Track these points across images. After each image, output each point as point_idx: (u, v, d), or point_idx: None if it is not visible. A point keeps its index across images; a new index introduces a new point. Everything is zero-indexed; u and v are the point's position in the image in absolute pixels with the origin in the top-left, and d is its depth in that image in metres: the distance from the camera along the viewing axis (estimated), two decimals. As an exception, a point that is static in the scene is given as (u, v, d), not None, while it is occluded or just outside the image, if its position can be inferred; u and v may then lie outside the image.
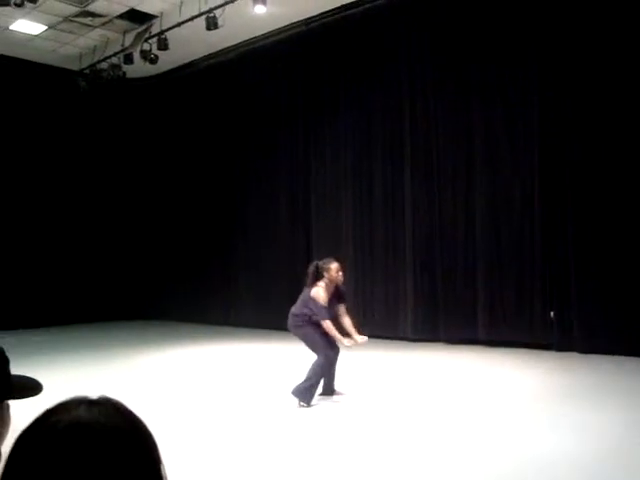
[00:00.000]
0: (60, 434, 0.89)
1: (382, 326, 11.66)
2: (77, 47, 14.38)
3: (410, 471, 4.60)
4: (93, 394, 0.98)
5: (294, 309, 7.08)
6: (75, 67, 15.02)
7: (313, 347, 6.90)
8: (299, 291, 12.87)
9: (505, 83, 10.27)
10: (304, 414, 6.40)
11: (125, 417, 0.95)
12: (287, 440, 5.51)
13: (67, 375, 8.37)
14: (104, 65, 14.17)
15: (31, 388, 1.28)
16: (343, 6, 11.97)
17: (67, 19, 12.80)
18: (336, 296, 7.10)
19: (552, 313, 9.68)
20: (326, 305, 6.83)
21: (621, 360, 8.55)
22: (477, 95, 10.61)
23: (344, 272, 7.26)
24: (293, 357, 10.17)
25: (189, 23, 11.99)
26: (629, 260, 8.91)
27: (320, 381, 6.87)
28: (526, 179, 10.05)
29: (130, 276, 16.39)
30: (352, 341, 6.84)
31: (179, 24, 12.16)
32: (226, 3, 11.29)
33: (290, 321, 7.08)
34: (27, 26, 13.01)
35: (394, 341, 11.11)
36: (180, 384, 8.15)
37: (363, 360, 9.59)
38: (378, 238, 11.93)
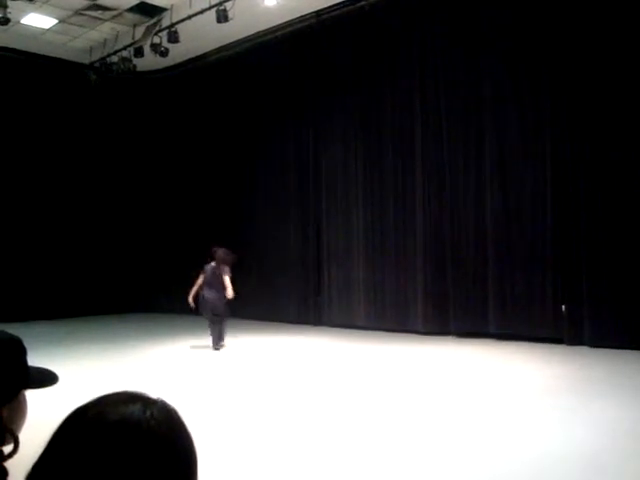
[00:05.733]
0: (107, 426, 0.88)
1: (393, 320, 11.67)
2: (88, 40, 14.41)
3: (418, 466, 4.60)
4: (152, 394, 0.96)
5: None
6: (86, 60, 15.07)
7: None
8: (308, 285, 13.00)
9: (517, 80, 10.21)
10: (306, 406, 6.40)
11: (174, 427, 0.94)
12: (289, 434, 5.51)
13: (78, 366, 8.42)
14: (114, 58, 14.21)
15: (47, 379, 1.29)
16: (353, -1, 11.96)
17: (77, 12, 12.83)
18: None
19: (563, 307, 9.65)
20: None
21: (632, 354, 8.52)
22: (488, 88, 10.55)
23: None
24: (294, 350, 10.20)
25: (199, 16, 12.00)
26: (641, 254, 8.88)
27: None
28: (538, 173, 10.01)
29: (136, 269, 16.39)
30: None
31: (189, 17, 12.18)
32: (236, -4, 11.28)
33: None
34: (38, 20, 13.05)
35: (404, 334, 11.10)
36: (186, 377, 8.17)
37: (374, 353, 9.61)
38: (389, 232, 11.91)
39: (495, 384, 7.23)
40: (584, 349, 9.16)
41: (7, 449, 1.14)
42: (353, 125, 12.54)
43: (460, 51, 10.87)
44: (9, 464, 1.12)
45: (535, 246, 10.01)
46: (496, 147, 10.46)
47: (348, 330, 11.86)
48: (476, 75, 10.69)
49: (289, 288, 13.31)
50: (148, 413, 0.91)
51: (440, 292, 11.07)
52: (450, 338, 10.67)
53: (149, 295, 15.98)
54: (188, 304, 10.45)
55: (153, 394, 0.97)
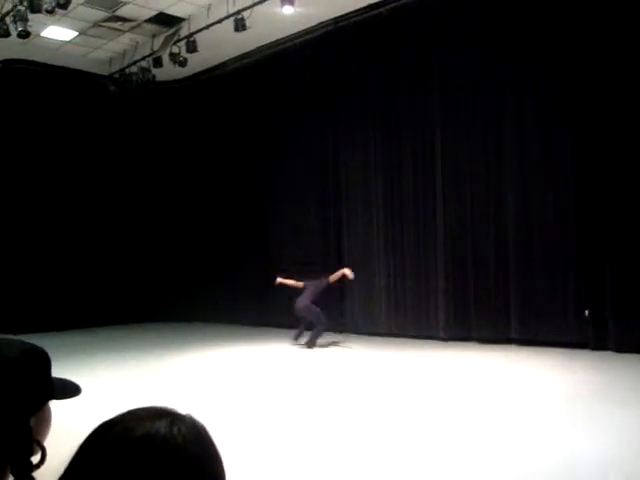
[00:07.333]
0: (131, 443, 0.86)
1: (414, 326, 11.62)
2: (107, 52, 14.56)
3: (439, 470, 4.56)
4: (181, 410, 0.94)
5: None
6: (105, 72, 15.21)
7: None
8: (329, 293, 12.93)
9: (537, 85, 10.15)
10: (325, 414, 6.39)
11: (202, 445, 0.91)
12: (308, 441, 5.50)
13: (98, 378, 8.46)
14: (134, 69, 14.32)
15: (71, 390, 1.29)
16: (371, 5, 11.93)
17: (97, 24, 12.96)
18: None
19: (587, 311, 9.54)
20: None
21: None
22: (509, 91, 10.51)
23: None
24: (321, 356, 10.20)
25: (217, 25, 12.06)
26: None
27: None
28: (559, 175, 9.92)
29: (154, 277, 16.39)
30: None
31: (207, 26, 12.24)
32: (254, 4, 11.33)
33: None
34: (58, 32, 13.19)
35: (426, 340, 11.05)
36: (211, 386, 8.18)
37: (394, 360, 9.58)
38: (409, 237, 11.88)
39: (518, 390, 7.16)
40: (609, 354, 9.04)
41: (34, 459, 1.15)
42: (373, 131, 12.52)
43: (481, 58, 10.80)
44: (36, 474, 1.12)
45: (557, 250, 9.92)
46: (517, 149, 10.39)
47: (370, 337, 11.82)
48: (496, 81, 10.64)
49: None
50: (175, 430, 0.88)
51: (461, 298, 11.01)
52: (472, 344, 10.60)
53: (167, 303, 16.01)
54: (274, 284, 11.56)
55: (181, 409, 0.94)
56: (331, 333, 12.51)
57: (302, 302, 10.94)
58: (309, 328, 11.16)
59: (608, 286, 9.30)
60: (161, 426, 0.88)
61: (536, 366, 8.56)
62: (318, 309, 11.00)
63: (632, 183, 9.09)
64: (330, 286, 11.27)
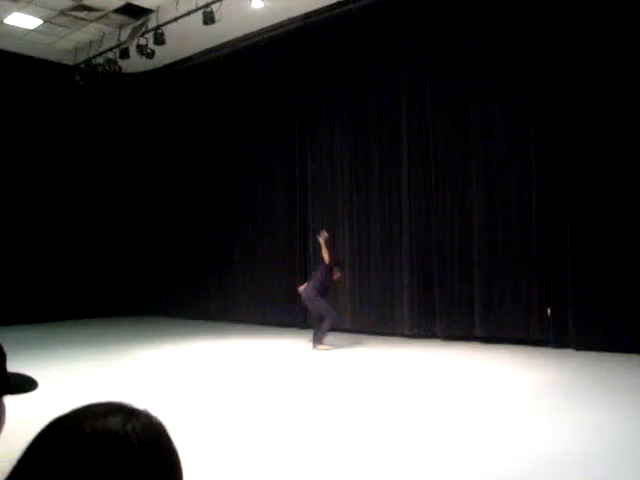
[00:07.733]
0: (84, 439, 0.83)
1: (378, 323, 11.66)
2: (73, 41, 14.30)
3: (407, 470, 4.58)
4: (138, 405, 0.91)
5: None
6: (70, 62, 14.94)
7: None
8: (294, 289, 12.88)
9: (503, 83, 10.25)
10: (298, 414, 6.38)
11: (157, 442, 0.88)
12: (283, 440, 5.48)
13: (64, 372, 8.33)
14: (100, 60, 14.10)
15: (26, 385, 1.25)
16: (341, 1, 11.93)
17: (63, 13, 12.73)
18: None
19: (548, 310, 9.69)
20: None
21: (617, 357, 8.55)
22: (475, 90, 10.59)
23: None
24: (286, 352, 10.17)
25: (186, 18, 11.95)
26: (626, 257, 8.91)
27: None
28: (524, 176, 10.04)
29: (126, 272, 16.31)
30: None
31: (176, 19, 12.13)
32: (223, -3, 11.25)
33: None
34: (22, 20, 12.92)
35: (389, 337, 11.10)
36: (178, 381, 8.11)
37: (358, 357, 9.59)
38: (374, 234, 11.90)
39: (480, 387, 7.22)
40: (569, 352, 9.19)
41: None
42: (341, 127, 12.51)
43: (448, 58, 10.86)
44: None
45: (521, 248, 10.04)
46: (482, 149, 10.49)
47: (334, 333, 11.81)
48: (463, 79, 10.72)
49: (277, 291, 13.29)
50: (129, 427, 0.85)
51: (426, 295, 11.08)
52: (436, 341, 10.68)
53: (141, 297, 15.91)
54: None
55: (138, 405, 0.92)
56: (296, 329, 12.49)
57: (305, 292, 10.55)
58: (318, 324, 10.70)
59: (569, 286, 9.45)
60: (114, 422, 0.85)
61: (498, 363, 8.65)
62: (324, 302, 10.42)
63: (595, 184, 9.23)
64: (330, 266, 10.41)
